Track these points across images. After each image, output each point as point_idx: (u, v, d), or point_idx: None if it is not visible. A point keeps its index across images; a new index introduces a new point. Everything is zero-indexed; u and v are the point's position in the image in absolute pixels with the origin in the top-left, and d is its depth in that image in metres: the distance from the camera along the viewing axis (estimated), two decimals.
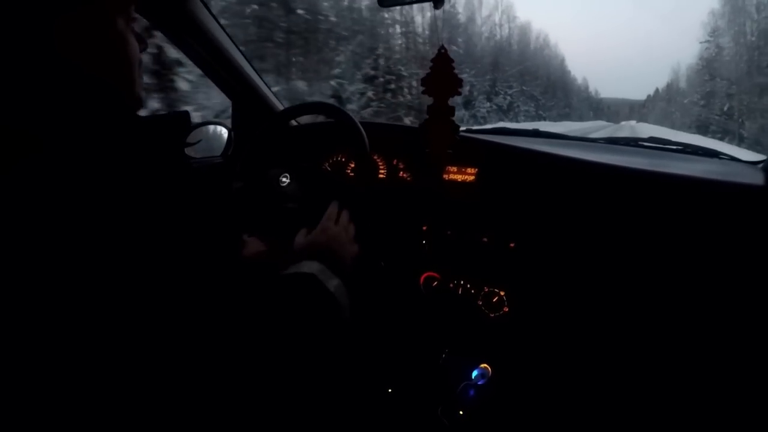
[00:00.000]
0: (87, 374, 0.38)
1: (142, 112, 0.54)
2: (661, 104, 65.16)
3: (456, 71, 0.92)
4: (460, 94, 0.94)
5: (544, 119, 40.97)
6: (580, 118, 62.85)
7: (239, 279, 0.52)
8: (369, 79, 15.95)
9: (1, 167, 0.37)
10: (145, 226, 0.41)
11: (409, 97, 16.79)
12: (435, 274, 1.08)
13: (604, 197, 0.92)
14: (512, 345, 1.00)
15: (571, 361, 0.95)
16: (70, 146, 0.40)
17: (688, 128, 31.44)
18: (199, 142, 1.21)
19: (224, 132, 1.29)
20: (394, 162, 1.17)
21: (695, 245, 0.84)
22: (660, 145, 1.18)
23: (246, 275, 0.54)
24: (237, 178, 1.11)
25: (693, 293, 0.85)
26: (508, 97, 34.41)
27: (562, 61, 67.60)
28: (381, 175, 1.18)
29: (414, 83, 17.61)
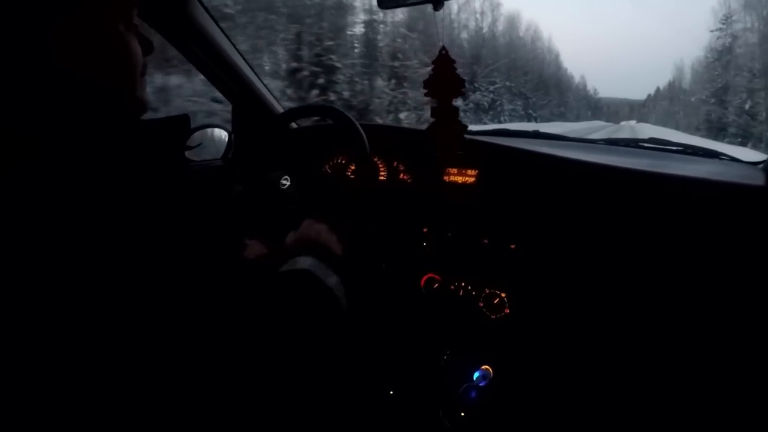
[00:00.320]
0: (87, 376, 0.38)
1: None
2: (663, 103, 62.30)
3: (458, 72, 0.92)
4: (463, 94, 0.94)
5: (535, 119, 37.13)
6: (577, 118, 60.14)
7: (240, 281, 0.52)
8: (291, 72, 13.08)
9: (1, 170, 0.37)
10: (145, 229, 0.41)
11: (346, 94, 13.97)
12: (436, 276, 1.08)
13: (605, 198, 0.92)
14: (513, 346, 1.00)
15: (572, 362, 0.95)
16: (69, 150, 0.40)
17: (695, 130, 27.92)
18: (199, 145, 1.21)
19: (224, 135, 1.30)
20: (395, 164, 1.17)
21: (696, 246, 0.84)
22: (660, 146, 1.18)
23: (246, 277, 0.54)
24: (237, 180, 1.11)
25: (694, 293, 0.85)
26: (490, 94, 29.90)
27: (557, 56, 61.10)
28: (381, 177, 1.18)
29: (356, 78, 14.96)
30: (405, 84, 16.99)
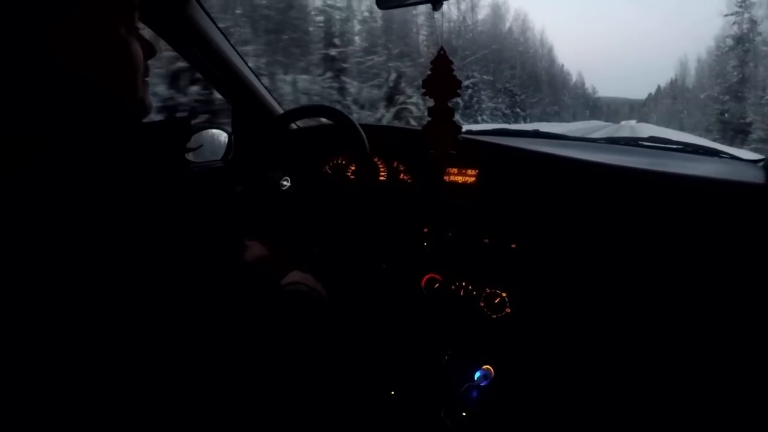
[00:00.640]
0: (86, 377, 0.38)
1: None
2: (665, 102, 58.34)
3: (455, 72, 0.93)
4: (460, 95, 0.94)
5: (524, 119, 33.22)
6: (574, 117, 57.24)
7: (240, 282, 0.52)
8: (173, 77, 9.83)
9: (1, 171, 0.37)
10: (146, 230, 0.41)
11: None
12: (437, 276, 1.07)
13: (605, 197, 0.92)
14: (515, 346, 1.00)
15: (573, 361, 0.95)
16: (69, 151, 0.40)
17: (706, 132, 23.24)
18: (199, 147, 1.22)
19: (224, 136, 1.30)
20: (395, 164, 1.17)
21: (697, 244, 0.84)
22: (660, 145, 1.18)
23: (247, 279, 0.54)
24: (238, 181, 1.11)
25: (695, 292, 0.84)
26: (466, 90, 25.05)
27: (550, 50, 55.71)
28: (382, 178, 1.18)
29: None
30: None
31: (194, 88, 6.04)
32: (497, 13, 38.49)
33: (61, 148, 0.39)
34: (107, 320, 0.38)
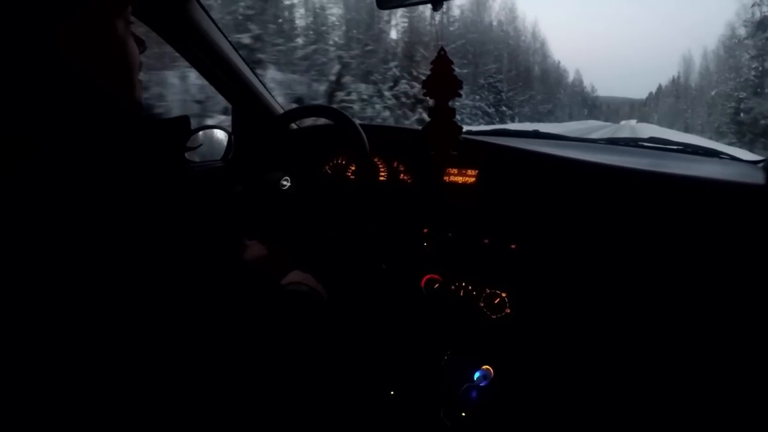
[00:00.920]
0: (86, 376, 0.38)
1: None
2: (668, 101, 56.80)
3: (455, 72, 0.93)
4: (460, 95, 0.95)
5: (511, 118, 29.71)
6: (571, 117, 54.69)
7: (239, 282, 0.52)
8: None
9: (2, 170, 0.37)
10: (145, 230, 0.41)
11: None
12: (436, 276, 1.08)
13: (605, 198, 0.92)
14: (514, 346, 1.00)
15: (573, 362, 0.95)
16: (70, 150, 0.40)
17: (717, 133, 20.42)
18: (199, 146, 1.22)
19: (224, 136, 1.30)
20: (395, 164, 1.17)
21: (696, 245, 0.84)
22: (660, 146, 1.18)
23: (247, 279, 0.54)
24: (238, 181, 1.11)
25: (694, 293, 0.85)
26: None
27: (543, 44, 50.14)
28: (382, 178, 1.18)
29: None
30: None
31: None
32: (479, 0, 34.20)
33: (61, 147, 0.39)
34: (107, 319, 0.38)
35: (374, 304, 1.09)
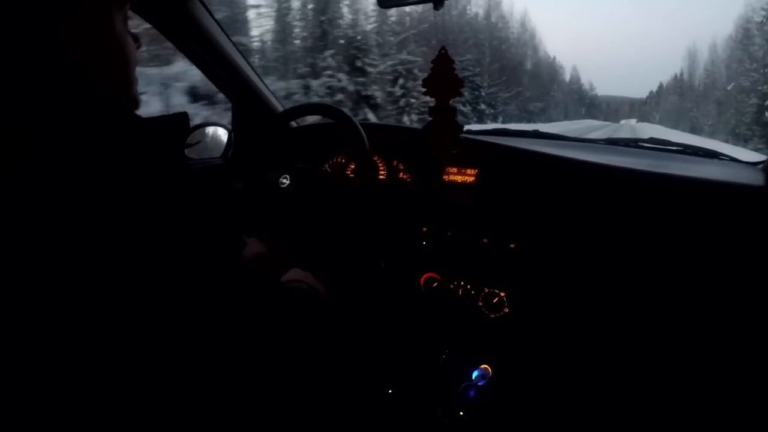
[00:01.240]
0: (85, 375, 0.38)
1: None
2: (671, 99, 52.45)
3: (456, 71, 0.93)
4: (461, 95, 0.95)
5: (492, 118, 25.61)
6: (566, 116, 51.22)
7: (239, 280, 0.52)
8: None
9: (1, 168, 0.37)
10: (145, 227, 0.41)
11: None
12: (435, 275, 1.08)
13: (604, 198, 0.92)
14: (513, 346, 1.00)
15: (571, 361, 0.95)
16: (69, 148, 0.40)
17: (734, 135, 17.66)
18: (199, 143, 1.22)
19: (224, 133, 1.30)
20: (395, 163, 1.17)
21: (696, 246, 0.84)
22: (660, 146, 1.18)
23: (246, 276, 0.54)
24: (237, 179, 1.11)
25: (693, 293, 0.85)
26: (399, 79, 14.75)
27: (533, 35, 44.30)
28: (381, 176, 1.18)
29: None
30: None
31: None
32: None
33: (61, 145, 0.39)
34: (106, 317, 0.38)
35: (373, 302, 1.09)
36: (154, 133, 0.49)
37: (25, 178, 0.37)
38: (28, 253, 0.36)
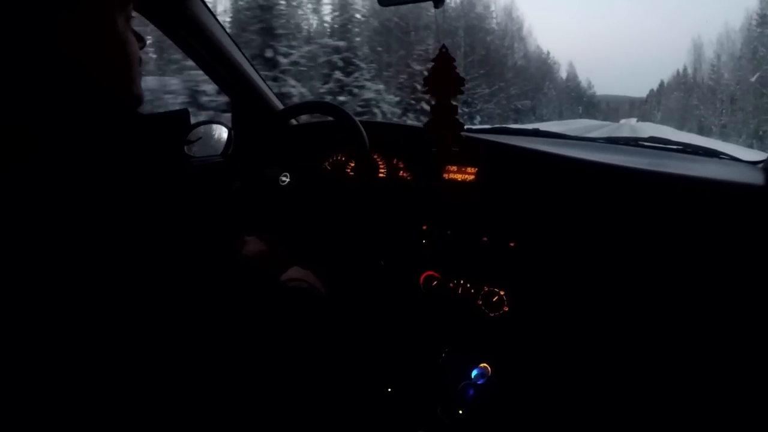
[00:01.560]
0: (83, 374, 0.38)
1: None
2: (675, 96, 48.09)
3: (457, 70, 0.92)
4: (462, 92, 0.95)
5: (470, 117, 21.38)
6: (561, 116, 47.15)
7: (238, 278, 0.52)
8: None
9: (4, 164, 0.37)
10: (144, 225, 0.41)
11: None
12: (435, 274, 1.08)
13: (604, 197, 0.92)
14: (512, 344, 1.00)
15: (571, 360, 0.95)
16: (69, 145, 0.40)
17: (758, 139, 16.20)
18: (198, 140, 1.21)
19: (224, 131, 1.29)
20: (394, 161, 1.17)
21: (696, 245, 0.84)
22: (660, 145, 1.18)
23: (246, 275, 0.54)
24: (237, 177, 1.11)
25: (693, 292, 0.85)
26: (351, 74, 11.32)
27: (520, 27, 38.30)
28: (381, 175, 1.18)
29: None
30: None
31: None
32: None
33: (60, 143, 0.39)
34: (105, 316, 0.38)
35: (373, 301, 1.09)
36: (155, 130, 0.49)
37: (23, 176, 0.37)
38: (27, 251, 0.36)
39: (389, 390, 1.02)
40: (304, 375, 0.57)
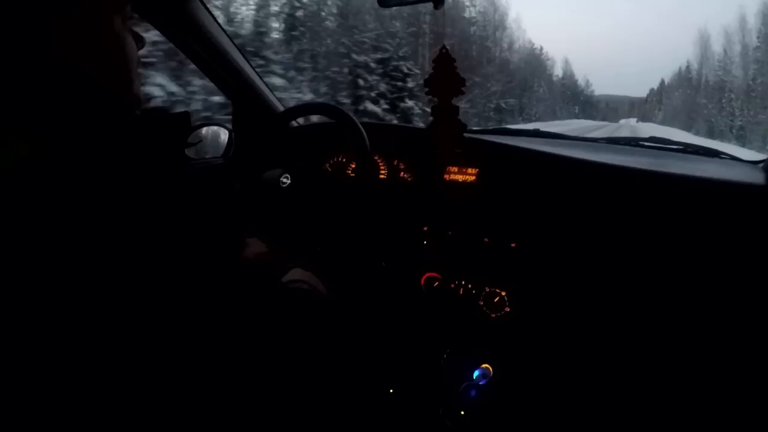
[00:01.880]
0: (85, 374, 0.38)
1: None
2: (679, 94, 44.17)
3: (458, 71, 0.93)
4: (463, 93, 0.95)
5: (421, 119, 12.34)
6: (554, 116, 45.15)
7: (240, 280, 0.52)
8: None
9: (8, 167, 0.37)
10: (145, 226, 0.41)
11: None
12: (436, 275, 1.08)
13: (605, 197, 0.92)
14: (513, 345, 1.00)
15: (572, 361, 0.95)
16: (73, 148, 0.40)
17: None
18: (199, 142, 1.22)
19: (224, 133, 1.30)
20: (395, 162, 1.17)
21: (696, 245, 0.84)
22: (661, 145, 1.18)
23: (247, 277, 0.54)
24: (238, 178, 1.11)
25: (694, 292, 0.85)
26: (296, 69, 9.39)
27: (503, 15, 35.14)
28: (382, 176, 1.18)
29: None
30: None
31: None
32: None
33: (66, 145, 0.39)
34: (106, 317, 0.38)
35: (374, 302, 1.09)
36: (155, 131, 0.49)
37: (30, 179, 0.37)
38: (30, 251, 0.36)
39: (391, 391, 1.02)
40: (306, 376, 0.57)
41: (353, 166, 1.22)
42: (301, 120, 1.40)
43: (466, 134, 1.05)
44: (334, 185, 1.19)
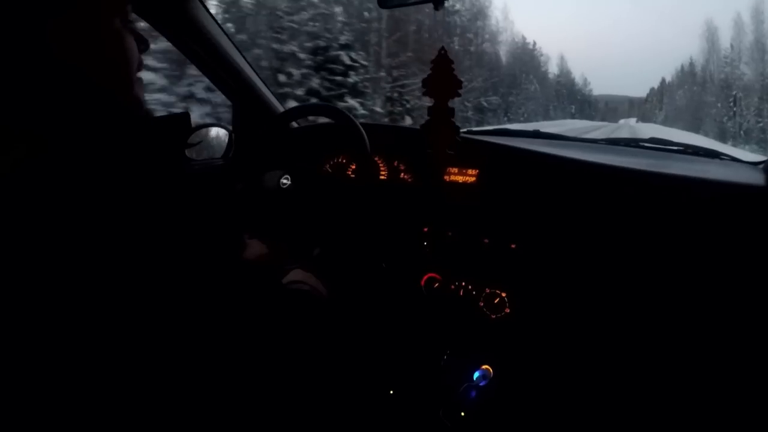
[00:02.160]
0: (85, 375, 0.38)
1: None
2: (684, 92, 41.05)
3: (456, 72, 0.93)
4: (460, 95, 0.95)
5: (401, 115, 10.84)
6: (547, 115, 42.35)
7: (240, 281, 0.52)
8: None
9: (7, 167, 0.37)
10: (146, 227, 0.41)
11: None
12: (436, 276, 1.08)
13: (605, 198, 0.92)
14: (514, 346, 1.00)
15: (573, 362, 0.95)
16: (73, 148, 0.40)
17: None
18: (199, 143, 1.22)
19: (225, 134, 1.30)
20: (395, 163, 1.17)
21: (696, 246, 0.84)
22: (661, 146, 1.18)
23: (248, 278, 0.54)
24: (238, 179, 1.11)
25: (694, 293, 0.85)
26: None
27: (486, 4, 30.43)
28: (382, 177, 1.18)
29: None
30: None
31: None
32: None
33: (64, 146, 0.39)
34: (107, 318, 0.38)
35: (374, 303, 1.09)
36: (155, 133, 0.49)
37: (30, 179, 0.37)
38: (32, 251, 0.36)
39: (391, 392, 1.02)
40: (307, 377, 0.57)
41: (353, 167, 1.22)
42: (301, 120, 1.40)
43: (466, 135, 1.05)
44: (334, 186, 1.19)
